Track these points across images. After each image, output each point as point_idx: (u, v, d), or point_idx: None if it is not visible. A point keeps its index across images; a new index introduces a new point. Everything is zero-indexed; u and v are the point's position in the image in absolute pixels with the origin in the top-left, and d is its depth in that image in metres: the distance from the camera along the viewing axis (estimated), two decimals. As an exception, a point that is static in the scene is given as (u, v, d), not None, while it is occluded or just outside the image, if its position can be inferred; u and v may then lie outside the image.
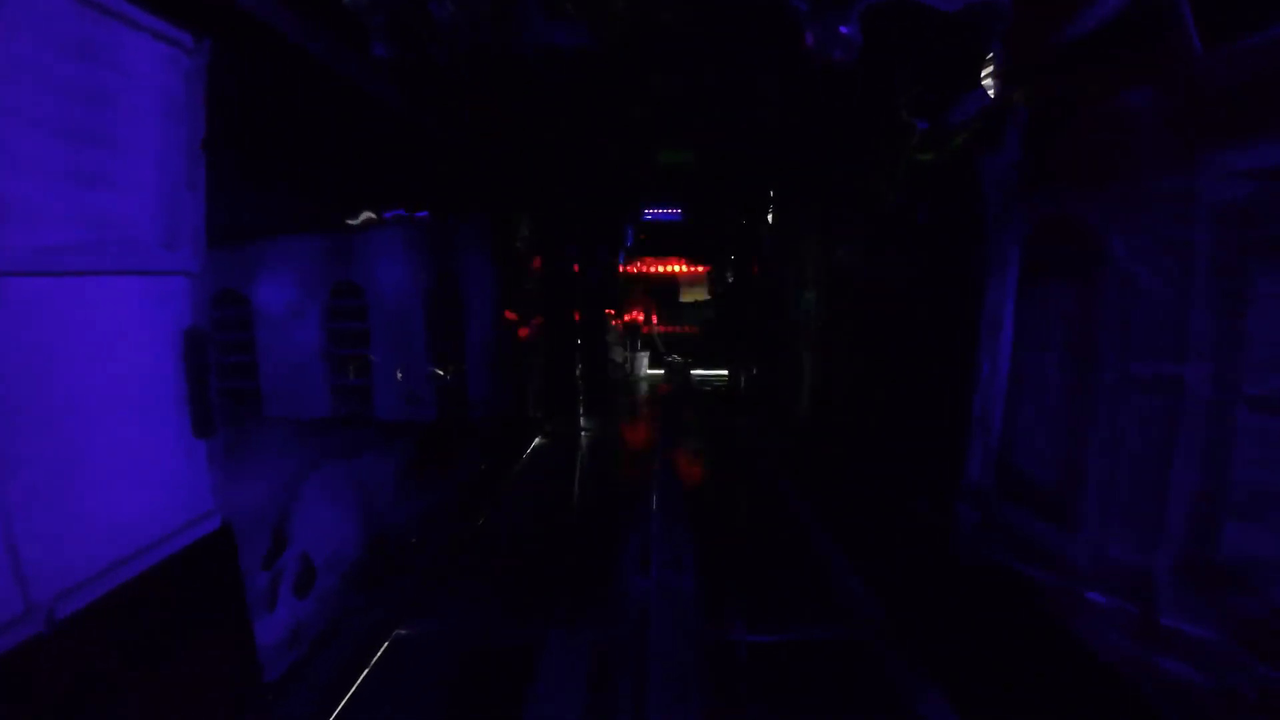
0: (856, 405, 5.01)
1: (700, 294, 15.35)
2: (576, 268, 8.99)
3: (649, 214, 10.32)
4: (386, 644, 4.02)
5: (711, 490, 6.35)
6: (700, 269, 15.20)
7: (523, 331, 8.56)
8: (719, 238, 13.37)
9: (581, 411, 9.53)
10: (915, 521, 4.15)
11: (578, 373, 9.36)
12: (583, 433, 8.94)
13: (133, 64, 2.68)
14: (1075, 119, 2.87)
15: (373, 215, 4.81)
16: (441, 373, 5.83)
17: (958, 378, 3.54)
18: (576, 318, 9.02)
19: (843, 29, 2.86)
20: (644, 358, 14.43)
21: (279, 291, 4.15)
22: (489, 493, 6.16)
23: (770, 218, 8.19)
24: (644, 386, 13.29)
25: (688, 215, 10.44)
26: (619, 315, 14.05)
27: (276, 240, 4.15)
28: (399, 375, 4.80)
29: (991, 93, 3.24)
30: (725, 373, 8.48)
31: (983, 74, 3.26)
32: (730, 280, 10.31)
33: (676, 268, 15.20)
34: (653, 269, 15.11)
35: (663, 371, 14.72)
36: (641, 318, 14.32)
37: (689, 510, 5.72)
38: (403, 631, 4.13)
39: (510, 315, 8.26)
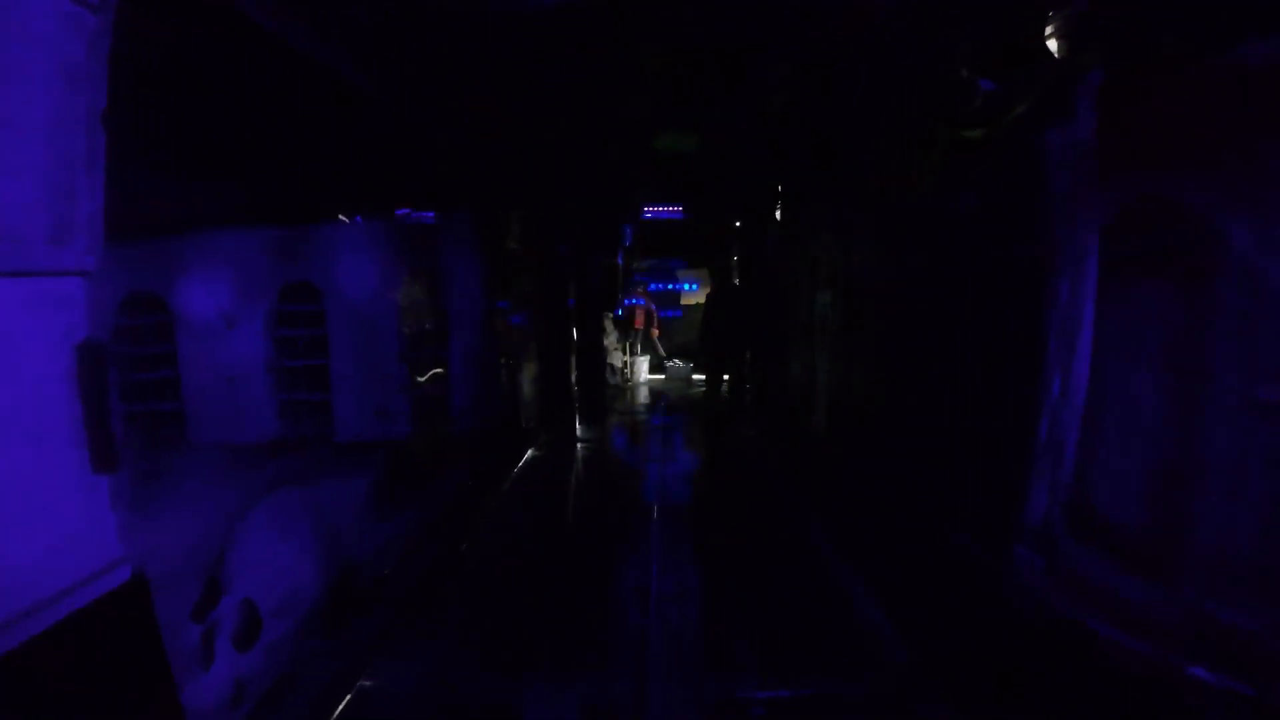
0: (882, 420, 4.45)
1: (702, 296, 14.80)
2: (572, 269, 8.44)
3: (649, 212, 9.75)
4: (349, 697, 3.48)
5: (717, 509, 5.80)
6: (702, 270, 14.65)
7: (514, 336, 8.01)
8: (721, 237, 12.83)
9: (578, 420, 8.98)
10: (956, 557, 3.60)
11: (574, 379, 8.81)
12: (579, 443, 8.39)
13: (26, 23, 2.14)
14: (1173, 79, 2.33)
15: (336, 209, 4.28)
16: (421, 380, 5.30)
17: (1015, 394, 2.99)
18: (572, 321, 8.47)
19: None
20: (644, 362, 13.87)
21: (208, 295, 3.59)
22: (475, 514, 5.61)
23: (778, 214, 7.63)
24: (644, 392, 12.72)
25: (689, 213, 9.88)
26: (618, 318, 13.50)
27: (206, 234, 3.59)
28: (367, 387, 4.26)
29: (1058, 51, 2.69)
30: (725, 377, 7.93)
31: (1046, 30, 2.71)
32: (733, 282, 9.75)
33: (677, 269, 14.66)
34: (651, 271, 14.55)
35: (663, 376, 14.16)
36: (641, 321, 13.76)
37: (693, 533, 5.17)
38: (367, 683, 3.59)
39: (501, 319, 7.71)
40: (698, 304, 14.78)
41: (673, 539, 5.08)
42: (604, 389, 9.33)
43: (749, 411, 9.20)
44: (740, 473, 7.06)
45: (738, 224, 13.53)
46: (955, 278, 3.41)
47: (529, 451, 7.89)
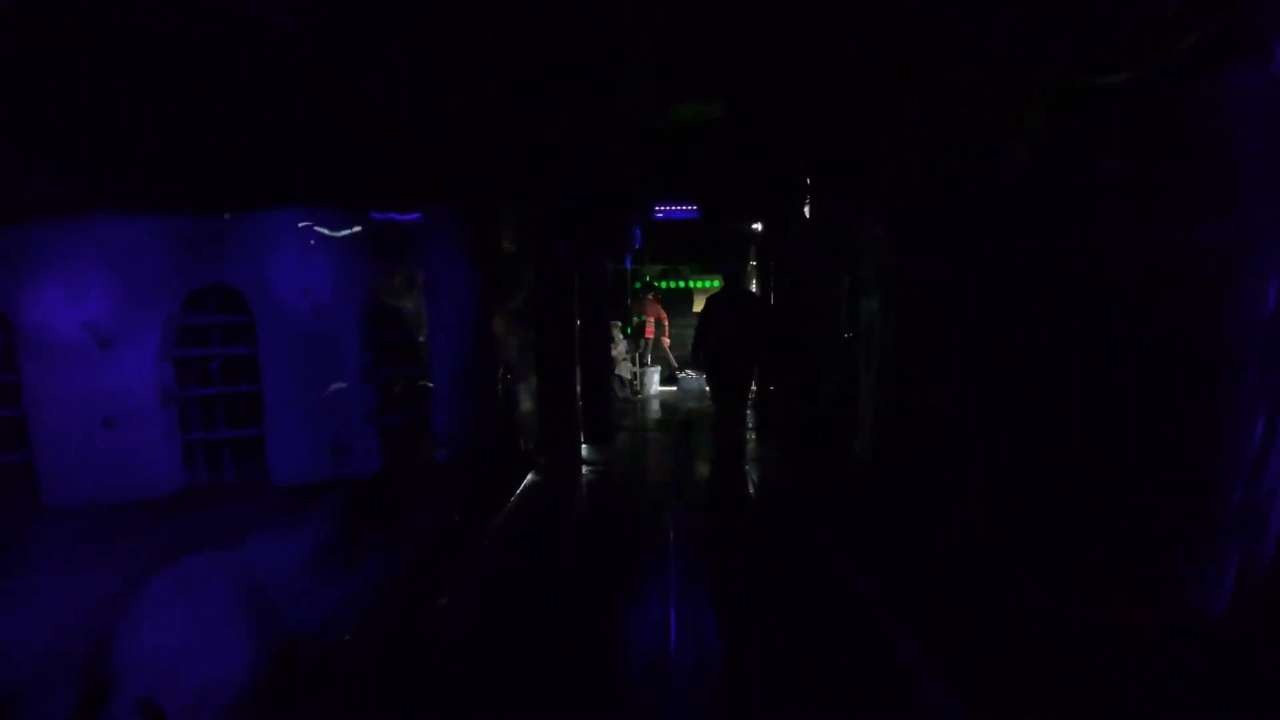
0: (955, 452, 3.60)
1: (716, 303, 13.96)
2: (576, 272, 7.62)
3: (660, 211, 8.95)
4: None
5: (743, 553, 4.95)
6: (717, 275, 13.82)
7: (511, 349, 7.21)
8: (738, 240, 11.99)
9: (582, 440, 8.15)
10: (1066, 642, 2.74)
11: (578, 394, 7.99)
12: (584, 467, 7.55)
13: None
14: None
15: (284, 198, 3.49)
16: (394, 404, 4.50)
17: (1178, 436, 2.14)
18: (576, 331, 7.65)
19: None
20: (654, 374, 13.04)
21: (69, 304, 2.77)
22: (458, 559, 4.79)
23: (807, 210, 6.80)
24: (655, 406, 11.88)
25: (704, 213, 9.06)
26: (626, 327, 12.68)
27: (69, 223, 2.78)
28: (317, 417, 3.47)
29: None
30: (732, 392, 7.03)
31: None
32: (743, 286, 8.88)
33: (688, 276, 13.85)
34: (663, 277, 13.74)
35: (675, 389, 13.32)
36: (652, 330, 12.94)
37: (716, 583, 4.33)
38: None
39: (496, 330, 6.91)
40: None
41: (692, 594, 4.24)
42: (611, 404, 8.50)
43: (772, 429, 8.34)
44: (768, 503, 6.20)
45: (756, 226, 12.72)
46: (1084, 274, 2.58)
47: (528, 477, 7.07)
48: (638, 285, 13.41)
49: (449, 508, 5.20)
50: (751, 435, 8.57)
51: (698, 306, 14.00)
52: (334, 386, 3.81)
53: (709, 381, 7.38)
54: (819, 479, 6.46)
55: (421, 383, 4.95)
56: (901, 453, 4.63)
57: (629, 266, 12.04)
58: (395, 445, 4.60)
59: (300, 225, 3.62)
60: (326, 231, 3.79)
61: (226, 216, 3.22)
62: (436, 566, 4.46)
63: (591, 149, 6.44)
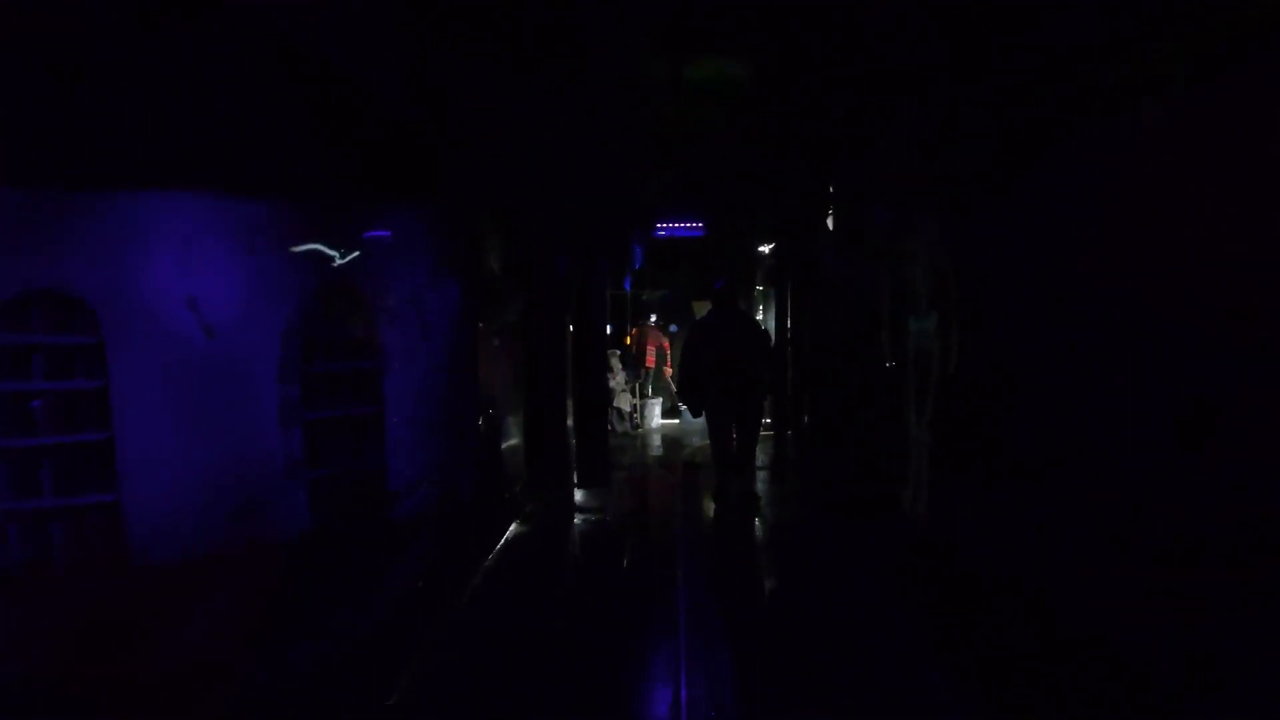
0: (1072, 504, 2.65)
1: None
2: (571, 294, 6.72)
3: (663, 228, 8.11)
4: None
5: (773, 632, 3.95)
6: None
7: (496, 378, 6.28)
8: (748, 260, 11.14)
9: (576, 482, 7.16)
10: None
11: (569, 429, 7.02)
12: (578, 515, 6.55)
13: None
14: None
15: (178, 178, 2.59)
16: (325, 450, 3.55)
17: None
18: (570, 357, 6.72)
19: None
20: (656, 406, 12.08)
21: None
22: (417, 635, 3.78)
23: (832, 218, 5.92)
24: (657, 441, 10.89)
25: (711, 227, 8.20)
26: (626, 354, 11.76)
27: None
28: (210, 471, 2.52)
29: None
30: (736, 437, 5.93)
31: None
32: (739, 307, 7.93)
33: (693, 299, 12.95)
34: (665, 301, 12.86)
35: (678, 421, 12.33)
36: (653, 359, 12.01)
37: (737, 673, 3.32)
38: None
39: (480, 357, 5.99)
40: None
41: (710, 692, 3.23)
42: (608, 441, 7.51)
43: (797, 469, 7.35)
44: (796, 560, 5.20)
45: (764, 249, 11.89)
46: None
47: (511, 528, 6.06)
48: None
49: (409, 574, 4.20)
50: (762, 470, 7.57)
51: (702, 333, 13.10)
52: (237, 429, 2.86)
53: (709, 427, 6.24)
54: (854, 525, 5.47)
55: (373, 423, 4.00)
56: (976, 505, 3.67)
57: (629, 290, 11.16)
58: (333, 501, 3.63)
59: (190, 213, 2.70)
60: (234, 224, 2.88)
61: (72, 194, 2.31)
62: (375, 656, 3.45)
63: (593, 144, 5.61)
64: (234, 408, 2.87)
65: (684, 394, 6.31)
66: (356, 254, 3.87)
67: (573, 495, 6.89)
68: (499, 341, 6.41)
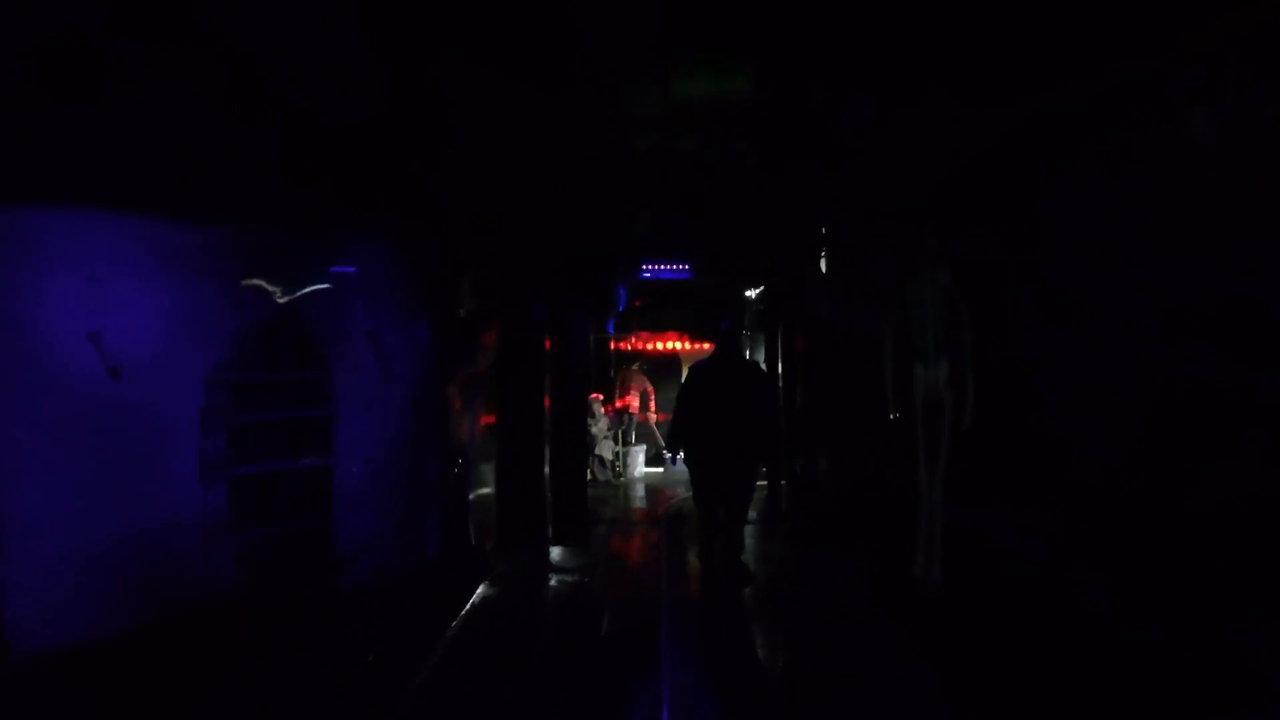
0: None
1: (707, 375, 12.71)
2: (550, 333, 6.33)
3: (648, 270, 7.81)
4: None
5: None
6: (707, 345, 12.63)
7: (465, 426, 5.83)
8: (735, 305, 10.85)
9: (552, 537, 6.65)
10: None
11: (546, 480, 6.54)
12: (552, 576, 6.03)
13: None
14: None
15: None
16: (258, 509, 3.08)
17: None
18: (546, 403, 6.29)
19: None
20: (639, 454, 11.61)
21: None
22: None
23: (826, 259, 5.63)
24: (640, 492, 10.40)
25: (699, 271, 7.91)
26: (609, 400, 11.34)
27: None
28: (94, 535, 2.07)
29: None
30: (727, 500, 5.29)
31: None
32: (737, 351, 7.47)
33: (678, 344, 12.63)
34: (649, 345, 12.51)
35: (662, 470, 11.85)
36: (636, 405, 11.58)
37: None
38: None
39: (448, 403, 5.56)
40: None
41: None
42: (586, 493, 7.03)
43: (789, 523, 6.90)
44: (798, 637, 4.72)
45: (750, 294, 11.64)
46: None
47: (479, 591, 5.54)
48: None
49: (341, 657, 3.68)
50: (751, 524, 7.09)
51: (687, 379, 12.72)
52: (149, 488, 2.40)
53: (693, 485, 5.45)
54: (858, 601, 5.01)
55: (320, 477, 3.54)
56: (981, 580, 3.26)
57: (611, 333, 10.80)
58: (268, 567, 3.14)
59: (97, 236, 2.30)
60: (154, 251, 2.48)
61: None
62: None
63: (574, 176, 5.29)
64: (145, 463, 2.41)
65: (673, 444, 5.71)
66: (308, 288, 3.48)
67: (548, 553, 6.38)
68: (472, 386, 5.98)
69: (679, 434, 5.45)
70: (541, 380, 6.14)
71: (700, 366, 5.40)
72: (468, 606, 5.30)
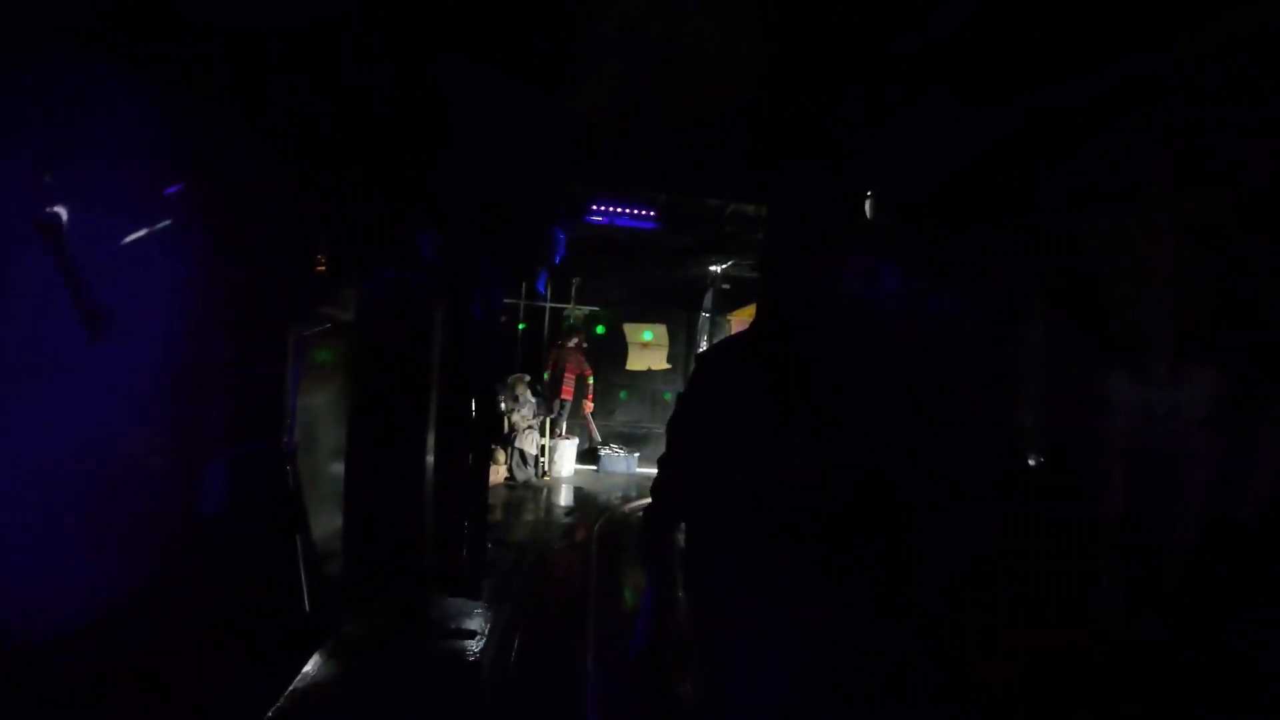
0: None
1: (657, 359, 10.82)
2: (447, 282, 4.24)
3: (599, 212, 5.80)
4: None
5: None
6: (658, 324, 10.72)
7: (304, 409, 3.74)
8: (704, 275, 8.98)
9: (433, 577, 4.60)
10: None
11: (429, 493, 4.47)
12: (430, 638, 4.03)
13: None
14: None
15: None
16: None
17: None
18: (435, 384, 4.23)
19: None
20: (570, 448, 9.62)
21: None
22: None
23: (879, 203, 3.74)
24: (567, 498, 8.42)
25: (667, 219, 5.95)
26: (539, 383, 9.29)
27: None
28: None
29: None
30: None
31: None
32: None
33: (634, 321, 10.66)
34: (593, 316, 10.48)
35: (595, 469, 9.91)
36: (570, 390, 9.57)
37: None
38: None
39: (250, 370, 3.50)
40: (652, 370, 10.75)
41: None
42: (487, 513, 4.97)
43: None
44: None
45: (719, 267, 9.76)
46: None
47: (306, 668, 3.50)
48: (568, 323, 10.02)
49: None
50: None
51: (635, 363, 10.77)
52: None
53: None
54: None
55: None
56: None
57: (543, 292, 8.71)
58: None
59: None
60: None
61: None
62: None
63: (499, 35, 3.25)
64: None
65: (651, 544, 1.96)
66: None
67: (425, 603, 4.34)
68: (305, 349, 3.87)
69: (661, 513, 1.92)
70: (428, 348, 4.07)
71: (734, 354, 1.91)
72: (282, 699, 3.26)
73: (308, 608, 3.86)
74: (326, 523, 4.19)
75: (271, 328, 3.57)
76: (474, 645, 3.99)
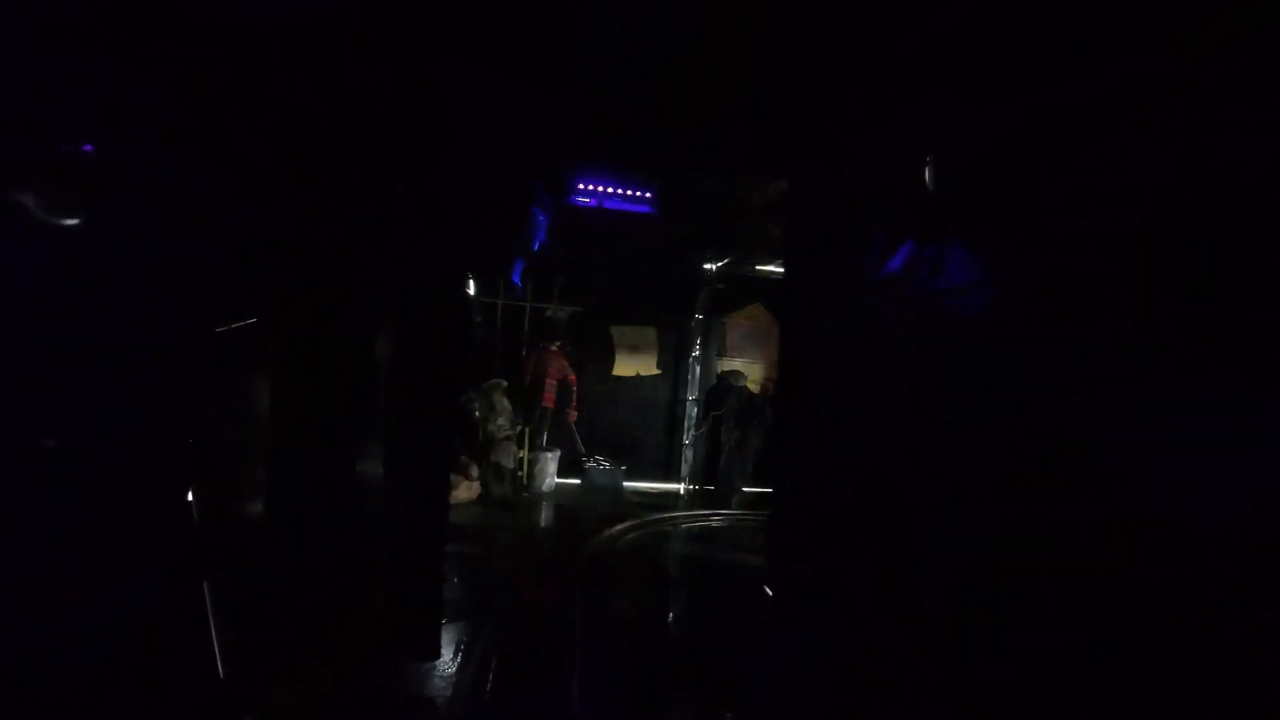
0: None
1: (646, 364, 10.03)
2: (401, 265, 3.44)
3: (585, 192, 5.01)
4: None
5: None
6: (648, 326, 9.94)
7: (209, 417, 2.91)
8: (698, 272, 8.23)
9: (382, 634, 3.76)
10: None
11: (371, 522, 3.63)
12: (381, 714, 3.20)
13: None
14: None
15: None
16: None
17: None
18: (383, 390, 3.41)
19: None
20: (552, 461, 8.80)
21: None
22: None
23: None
24: (550, 517, 7.59)
25: (665, 204, 5.18)
26: (518, 389, 8.47)
27: None
28: None
29: None
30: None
31: None
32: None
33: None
34: (578, 316, 9.66)
35: (580, 483, 9.09)
36: (553, 397, 8.76)
37: None
38: None
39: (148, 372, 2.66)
40: (640, 375, 9.94)
41: None
42: (443, 549, 4.11)
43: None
44: None
45: (714, 265, 9.01)
46: None
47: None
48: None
49: None
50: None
51: (622, 368, 9.95)
52: None
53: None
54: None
55: None
56: None
57: (519, 285, 7.88)
58: None
59: None
60: None
61: None
62: None
63: None
64: None
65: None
66: None
67: (369, 667, 3.50)
68: (229, 352, 3.03)
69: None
70: (374, 338, 3.25)
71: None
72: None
73: (221, 674, 3.02)
74: (250, 565, 3.35)
75: (171, 324, 2.74)
76: (431, 710, 3.18)
